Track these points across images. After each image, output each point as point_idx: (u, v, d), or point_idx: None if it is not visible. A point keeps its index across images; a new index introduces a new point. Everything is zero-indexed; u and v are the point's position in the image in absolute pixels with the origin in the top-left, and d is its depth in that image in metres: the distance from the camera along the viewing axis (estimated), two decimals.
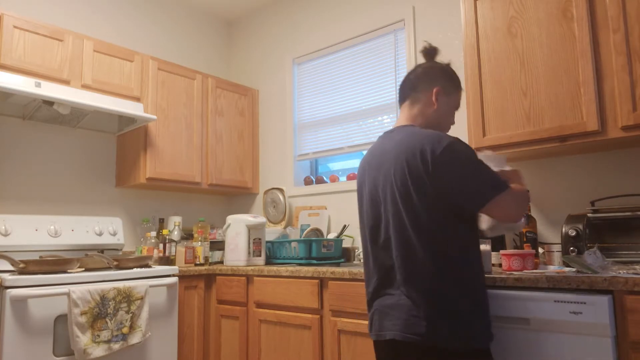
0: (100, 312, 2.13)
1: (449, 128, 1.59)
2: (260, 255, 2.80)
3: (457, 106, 1.60)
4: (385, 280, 1.44)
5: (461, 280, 1.35)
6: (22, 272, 2.10)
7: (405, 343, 1.35)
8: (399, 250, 1.40)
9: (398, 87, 1.63)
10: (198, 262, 2.88)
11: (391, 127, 1.58)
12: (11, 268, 2.32)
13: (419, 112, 1.55)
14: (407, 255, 1.38)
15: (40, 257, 2.51)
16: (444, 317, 1.32)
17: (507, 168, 1.54)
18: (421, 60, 2.75)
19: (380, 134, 2.94)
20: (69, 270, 2.26)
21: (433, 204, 1.36)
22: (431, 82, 1.55)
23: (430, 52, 1.62)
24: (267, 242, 2.88)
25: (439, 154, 1.35)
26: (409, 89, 1.58)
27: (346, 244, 2.93)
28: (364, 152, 3.28)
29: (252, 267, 2.57)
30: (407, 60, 2.81)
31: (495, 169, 1.46)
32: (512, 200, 1.38)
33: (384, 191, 1.46)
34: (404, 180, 1.39)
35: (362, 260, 1.58)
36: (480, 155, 1.52)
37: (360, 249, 2.72)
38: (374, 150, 1.56)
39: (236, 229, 2.80)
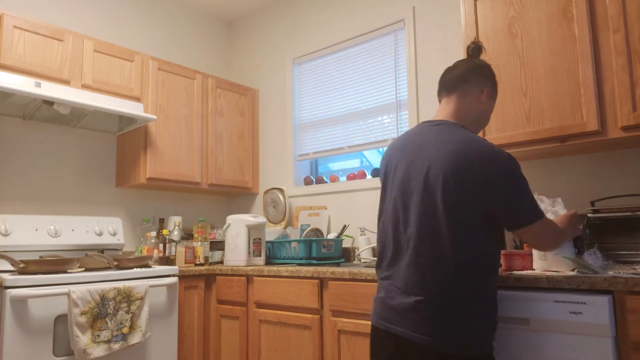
0: (100, 312, 2.13)
1: (483, 128, 1.70)
2: (260, 255, 2.80)
3: (493, 108, 1.63)
4: (401, 272, 1.43)
5: (478, 289, 1.35)
6: (22, 272, 2.10)
7: (410, 342, 1.35)
8: (423, 248, 1.38)
9: (444, 76, 1.60)
10: (198, 262, 2.88)
11: (431, 119, 1.56)
12: (11, 268, 2.32)
13: (465, 108, 1.54)
14: (431, 257, 1.36)
15: (40, 257, 2.51)
16: (454, 323, 1.32)
17: (562, 211, 1.65)
18: (422, 59, 2.75)
19: (379, 133, 2.95)
20: (69, 270, 2.26)
21: (472, 214, 1.35)
22: (484, 80, 1.56)
23: (478, 49, 1.63)
24: (267, 242, 2.88)
25: (494, 169, 1.35)
26: (460, 81, 1.55)
27: (346, 244, 2.93)
28: (364, 152, 3.28)
29: (252, 267, 2.57)
30: (407, 60, 2.81)
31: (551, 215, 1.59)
32: (545, 232, 1.42)
33: (416, 186, 1.42)
34: (446, 184, 1.36)
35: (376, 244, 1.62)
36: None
37: (361, 250, 2.72)
38: (411, 140, 1.52)
39: (236, 229, 2.80)
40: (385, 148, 3.23)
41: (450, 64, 2.62)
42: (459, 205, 1.35)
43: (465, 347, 1.31)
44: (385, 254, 1.51)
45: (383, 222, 1.55)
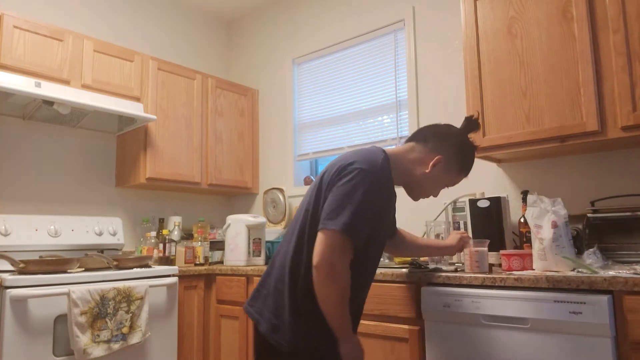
0: (100, 312, 2.13)
1: (423, 195, 1.55)
2: (260, 255, 2.80)
3: (448, 184, 1.54)
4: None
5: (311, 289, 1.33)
6: (22, 272, 2.10)
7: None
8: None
9: (425, 127, 1.56)
10: (198, 262, 2.88)
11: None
12: (11, 268, 2.32)
13: (410, 161, 1.49)
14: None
15: (40, 257, 2.51)
16: (283, 317, 1.36)
17: None
18: (422, 59, 2.75)
19: (378, 133, 2.95)
20: (69, 270, 2.26)
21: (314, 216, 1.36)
22: (441, 147, 1.48)
23: (472, 125, 1.56)
24: (267, 242, 2.88)
25: (342, 168, 1.34)
26: (421, 137, 1.51)
27: None
28: None
29: (252, 267, 2.57)
30: (407, 60, 2.81)
31: None
32: (332, 251, 1.27)
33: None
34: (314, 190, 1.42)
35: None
36: None
37: None
38: None
39: (236, 229, 2.80)
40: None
41: (450, 63, 2.62)
42: (311, 214, 1.39)
43: (286, 340, 1.34)
44: None
45: None
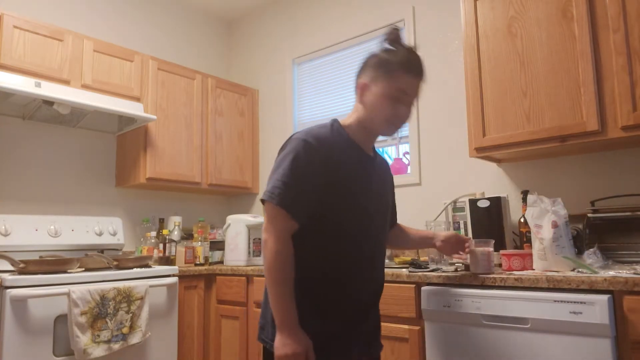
0: (100, 312, 2.13)
1: (387, 121, 1.37)
2: (260, 255, 2.80)
3: (392, 93, 1.34)
4: None
5: (299, 281, 1.27)
6: (22, 272, 2.10)
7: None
8: None
9: None
10: (198, 262, 2.88)
11: None
12: (11, 268, 2.32)
13: (353, 110, 1.44)
14: None
15: (40, 257, 2.51)
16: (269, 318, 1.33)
17: None
18: (423, 57, 2.75)
19: None
20: (69, 270, 2.26)
21: None
22: (360, 74, 1.41)
23: (394, 36, 1.42)
24: None
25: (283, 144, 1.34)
26: (357, 76, 1.44)
27: None
28: None
29: (252, 267, 2.57)
30: None
31: None
32: (265, 223, 1.26)
33: None
34: None
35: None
36: None
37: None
38: None
39: (236, 229, 2.80)
40: (385, 149, 3.23)
41: (450, 63, 2.62)
42: None
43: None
44: None
45: None
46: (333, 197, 1.30)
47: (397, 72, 1.34)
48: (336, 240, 1.31)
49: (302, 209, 1.26)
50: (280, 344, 1.19)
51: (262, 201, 1.27)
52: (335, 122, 1.40)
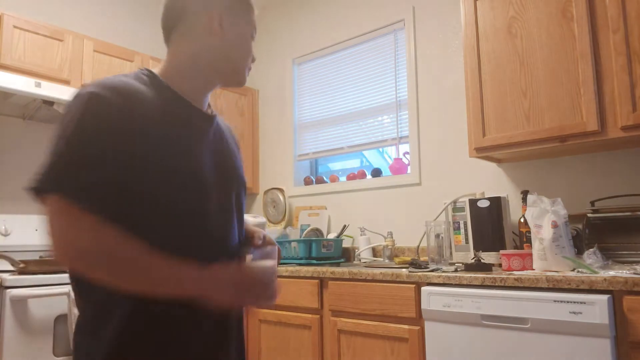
0: None
1: (246, 65, 1.05)
2: None
3: (252, 31, 1.06)
4: None
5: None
6: (22, 272, 2.10)
7: None
8: None
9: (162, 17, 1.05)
10: None
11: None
12: (11, 268, 2.32)
13: (187, 46, 1.00)
14: None
15: (40, 257, 2.51)
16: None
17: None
18: (422, 59, 2.75)
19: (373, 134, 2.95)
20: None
21: None
22: (207, 3, 1.00)
23: None
24: None
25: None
26: (174, 17, 1.01)
27: (346, 244, 2.93)
28: (364, 152, 3.28)
29: None
30: (407, 60, 2.81)
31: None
32: (55, 216, 0.80)
33: None
34: None
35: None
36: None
37: (361, 250, 2.72)
38: None
39: None
40: (385, 149, 3.23)
41: (451, 64, 2.62)
42: None
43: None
44: None
45: None
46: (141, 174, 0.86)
47: (251, 6, 1.07)
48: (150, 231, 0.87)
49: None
50: (232, 297, 0.86)
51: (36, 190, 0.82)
52: (144, 69, 0.99)
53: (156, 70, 1.01)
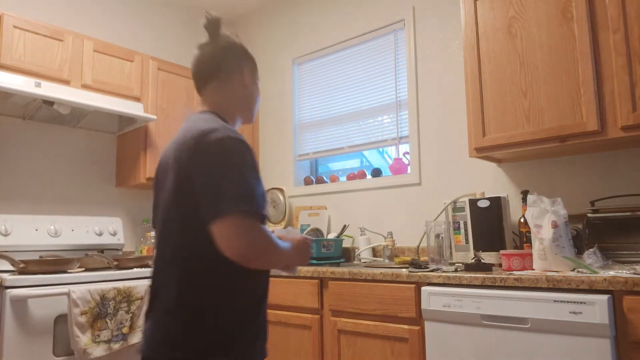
0: (100, 312, 2.13)
1: (256, 108, 1.38)
2: None
3: (257, 78, 1.40)
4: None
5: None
6: (22, 272, 2.10)
7: None
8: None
9: (193, 69, 1.32)
10: None
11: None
12: (11, 268, 2.32)
13: (226, 95, 1.29)
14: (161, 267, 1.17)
15: (40, 257, 2.51)
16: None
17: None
18: (422, 59, 2.75)
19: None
20: (69, 270, 2.26)
21: (185, 205, 1.11)
22: (239, 61, 1.31)
23: (214, 23, 1.30)
24: None
25: (206, 144, 1.09)
26: (213, 73, 1.28)
27: (346, 244, 2.93)
28: (364, 152, 3.28)
29: None
30: (407, 60, 2.81)
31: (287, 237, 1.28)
32: (244, 230, 1.03)
33: (165, 191, 1.18)
34: (171, 175, 1.15)
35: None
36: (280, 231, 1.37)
37: (361, 249, 2.72)
38: (171, 142, 1.24)
39: None
40: (385, 149, 3.23)
41: (451, 64, 2.62)
42: (179, 203, 1.13)
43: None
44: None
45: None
46: None
47: (257, 66, 1.40)
48: None
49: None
50: (300, 260, 1.25)
51: (220, 213, 1.05)
52: (205, 112, 1.26)
53: (209, 105, 1.30)
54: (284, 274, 1.48)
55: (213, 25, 1.31)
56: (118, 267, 2.41)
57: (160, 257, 1.18)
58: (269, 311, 2.42)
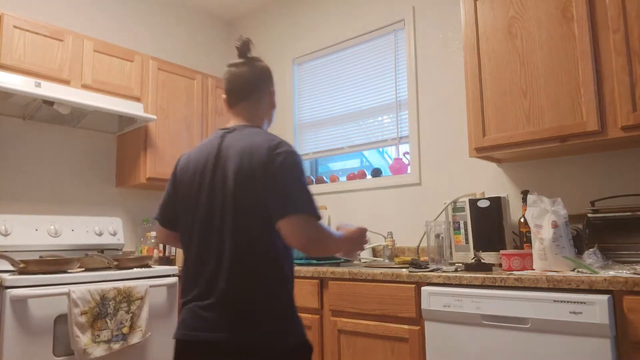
0: (101, 312, 2.13)
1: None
2: None
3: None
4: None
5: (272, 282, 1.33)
6: (22, 272, 2.10)
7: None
8: (227, 255, 1.31)
9: (230, 86, 1.52)
10: None
11: (229, 126, 1.48)
12: (11, 268, 2.32)
13: (261, 113, 1.53)
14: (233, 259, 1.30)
15: (40, 257, 2.51)
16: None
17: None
18: (422, 59, 2.75)
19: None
20: (69, 270, 2.26)
21: (257, 204, 1.31)
22: (268, 82, 1.56)
23: (246, 45, 1.53)
24: None
25: (273, 155, 1.31)
26: (250, 90, 1.50)
27: None
28: (364, 152, 3.28)
29: None
30: (407, 60, 2.81)
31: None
32: (311, 227, 1.29)
33: (223, 193, 1.34)
34: (238, 180, 1.32)
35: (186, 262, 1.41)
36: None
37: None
38: (210, 149, 1.42)
39: None
40: (385, 149, 3.23)
41: (451, 64, 2.63)
42: (248, 203, 1.31)
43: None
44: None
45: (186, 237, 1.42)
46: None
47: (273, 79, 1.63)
48: None
49: None
50: (355, 247, 1.53)
51: (288, 212, 1.29)
52: (253, 126, 1.48)
53: (245, 119, 1.51)
54: (346, 258, 1.79)
55: (245, 47, 1.53)
56: (118, 267, 2.41)
57: (208, 253, 1.33)
58: None
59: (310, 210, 1.31)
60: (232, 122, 1.51)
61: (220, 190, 1.34)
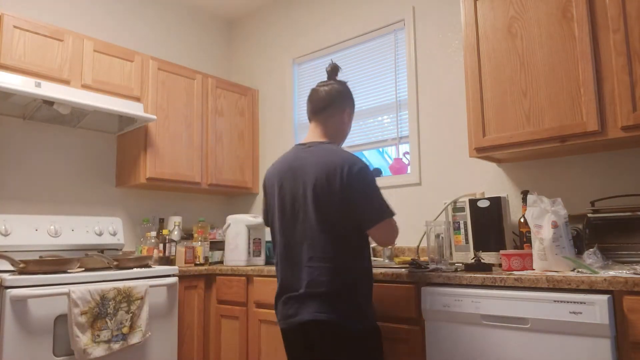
0: (100, 312, 2.13)
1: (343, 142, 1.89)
2: (260, 255, 2.80)
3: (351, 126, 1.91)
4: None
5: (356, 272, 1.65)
6: (22, 272, 2.10)
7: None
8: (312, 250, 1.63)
9: (311, 99, 1.81)
10: (198, 262, 2.88)
11: (305, 142, 1.77)
12: (11, 268, 2.32)
13: (332, 130, 1.79)
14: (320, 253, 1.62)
15: (40, 257, 2.51)
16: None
17: None
18: (422, 59, 2.75)
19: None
20: (69, 270, 2.26)
21: (340, 213, 1.61)
22: (344, 102, 1.79)
23: (334, 70, 1.84)
24: (267, 242, 2.88)
25: (354, 174, 1.59)
26: (325, 106, 1.77)
27: None
28: (364, 152, 3.28)
29: (252, 267, 2.57)
30: (407, 60, 2.81)
31: None
32: (393, 228, 1.67)
33: (303, 199, 1.65)
34: (322, 192, 1.61)
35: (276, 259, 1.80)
36: None
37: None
38: (290, 161, 1.73)
39: (236, 229, 2.80)
40: (385, 149, 3.23)
41: (451, 64, 2.63)
42: (332, 211, 1.61)
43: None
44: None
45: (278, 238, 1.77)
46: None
47: (353, 100, 1.87)
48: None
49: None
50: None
51: (380, 219, 1.63)
52: (324, 142, 1.76)
53: (319, 139, 1.78)
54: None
55: (332, 72, 1.84)
56: (118, 267, 2.41)
57: (294, 252, 1.66)
58: (267, 311, 2.43)
59: (390, 214, 1.63)
60: (308, 135, 1.79)
61: (302, 196, 1.65)
